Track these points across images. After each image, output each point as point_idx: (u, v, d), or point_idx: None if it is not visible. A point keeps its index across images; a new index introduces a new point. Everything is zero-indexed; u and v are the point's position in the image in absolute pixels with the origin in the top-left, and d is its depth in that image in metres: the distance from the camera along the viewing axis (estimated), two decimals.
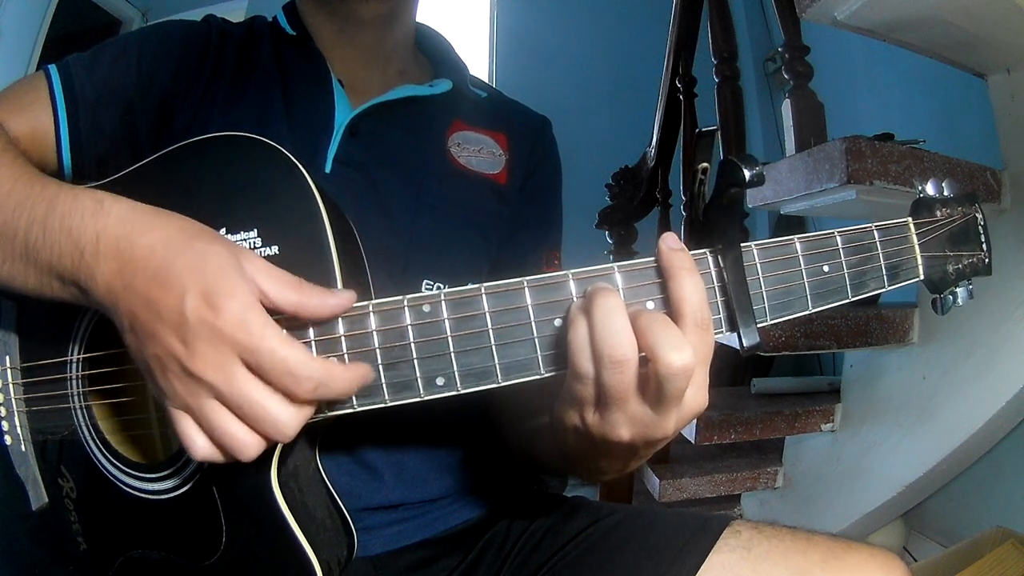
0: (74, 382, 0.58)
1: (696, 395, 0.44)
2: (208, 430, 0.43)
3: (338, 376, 0.43)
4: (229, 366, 0.41)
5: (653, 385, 0.42)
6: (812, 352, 1.51)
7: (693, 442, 1.57)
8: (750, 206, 1.53)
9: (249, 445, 0.43)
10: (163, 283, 0.42)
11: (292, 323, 0.45)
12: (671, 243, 0.45)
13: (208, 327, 0.41)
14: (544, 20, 3.45)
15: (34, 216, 0.48)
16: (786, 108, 1.48)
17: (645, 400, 0.43)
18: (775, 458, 1.78)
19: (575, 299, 0.45)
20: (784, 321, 0.48)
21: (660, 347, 0.41)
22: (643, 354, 0.42)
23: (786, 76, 1.51)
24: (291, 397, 0.42)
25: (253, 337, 0.41)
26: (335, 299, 0.45)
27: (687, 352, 0.41)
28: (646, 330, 0.42)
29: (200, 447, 0.43)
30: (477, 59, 3.56)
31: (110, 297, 0.45)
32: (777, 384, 1.84)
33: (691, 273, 0.44)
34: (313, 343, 0.46)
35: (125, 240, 0.44)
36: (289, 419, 0.43)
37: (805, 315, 0.48)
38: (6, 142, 0.57)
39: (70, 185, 0.50)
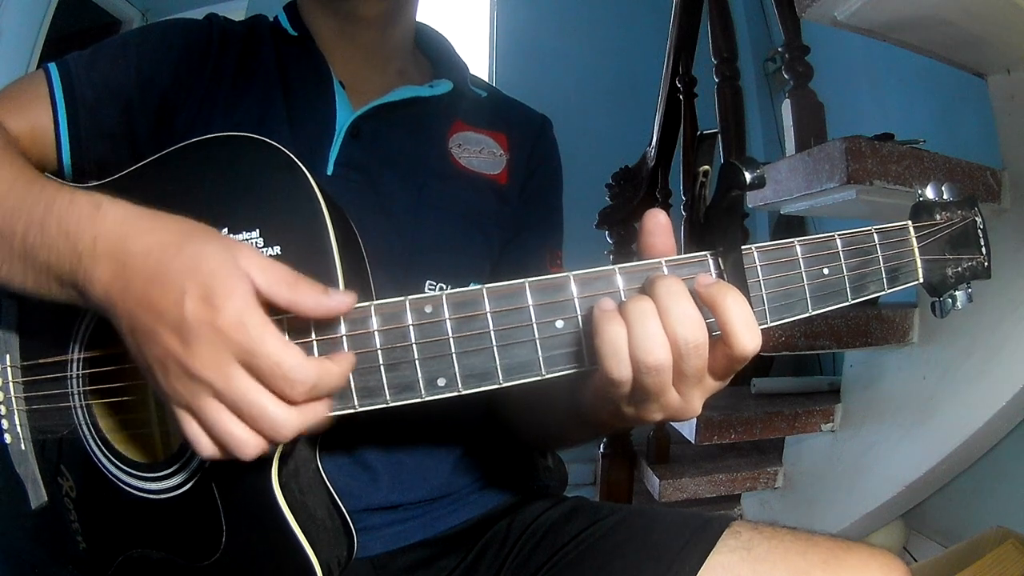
0: (74, 381, 0.58)
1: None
2: (208, 429, 0.43)
3: (333, 372, 0.44)
4: (227, 366, 0.42)
5: (722, 362, 0.45)
6: (812, 352, 1.51)
7: (693, 442, 1.58)
8: (750, 206, 1.53)
9: (248, 444, 0.43)
10: (161, 285, 0.43)
11: (295, 323, 0.46)
12: (702, 280, 0.46)
13: (207, 327, 0.41)
14: (544, 20, 3.45)
15: (32, 217, 0.48)
16: (786, 108, 1.48)
17: (713, 376, 0.46)
18: (775, 458, 1.78)
19: (576, 300, 0.45)
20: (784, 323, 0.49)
21: (737, 331, 0.43)
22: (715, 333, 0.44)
23: (786, 76, 1.51)
24: (287, 399, 0.43)
25: (251, 339, 0.41)
26: (331, 300, 0.45)
27: (759, 337, 0.44)
28: (720, 304, 0.43)
29: (204, 445, 0.44)
30: (477, 59, 3.56)
31: (108, 300, 0.45)
32: (777, 384, 1.84)
33: (737, 299, 0.45)
34: (315, 343, 0.46)
35: (122, 243, 0.44)
36: (286, 420, 0.43)
37: (805, 317, 0.49)
38: (5, 141, 0.57)
39: (69, 186, 0.50)
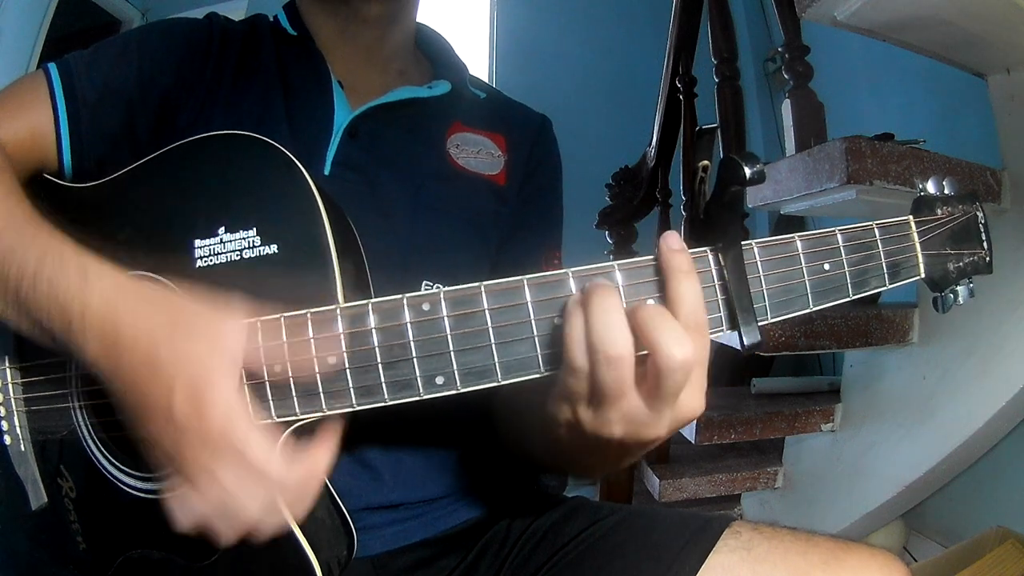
0: (74, 382, 0.58)
1: (692, 397, 0.44)
2: (187, 510, 0.45)
3: (315, 476, 0.47)
4: (215, 460, 0.43)
5: (651, 380, 0.42)
6: (812, 352, 1.51)
7: (693, 442, 1.58)
8: (750, 206, 1.53)
9: (228, 530, 0.45)
10: (150, 377, 0.44)
11: (290, 321, 0.45)
12: (671, 243, 0.45)
13: (194, 430, 0.43)
14: (544, 20, 3.45)
15: (24, 269, 0.48)
16: (786, 108, 1.48)
17: (641, 397, 0.43)
18: (775, 458, 1.78)
19: (572, 295, 0.45)
20: (784, 320, 0.48)
21: (661, 340, 0.41)
22: (641, 352, 0.42)
23: (786, 76, 1.51)
24: (271, 500, 0.45)
25: (236, 442, 0.43)
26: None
27: (688, 346, 0.41)
28: (647, 323, 0.41)
29: (181, 522, 0.45)
30: (477, 59, 3.56)
31: (102, 373, 0.46)
32: (777, 384, 1.84)
33: (688, 275, 0.44)
34: (313, 342, 0.46)
35: (109, 325, 0.45)
36: (267, 523, 0.46)
37: (806, 313, 0.48)
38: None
39: (58, 236, 0.50)
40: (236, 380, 0.44)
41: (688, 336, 0.41)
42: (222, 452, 0.43)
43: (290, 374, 0.46)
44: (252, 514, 0.44)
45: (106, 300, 0.46)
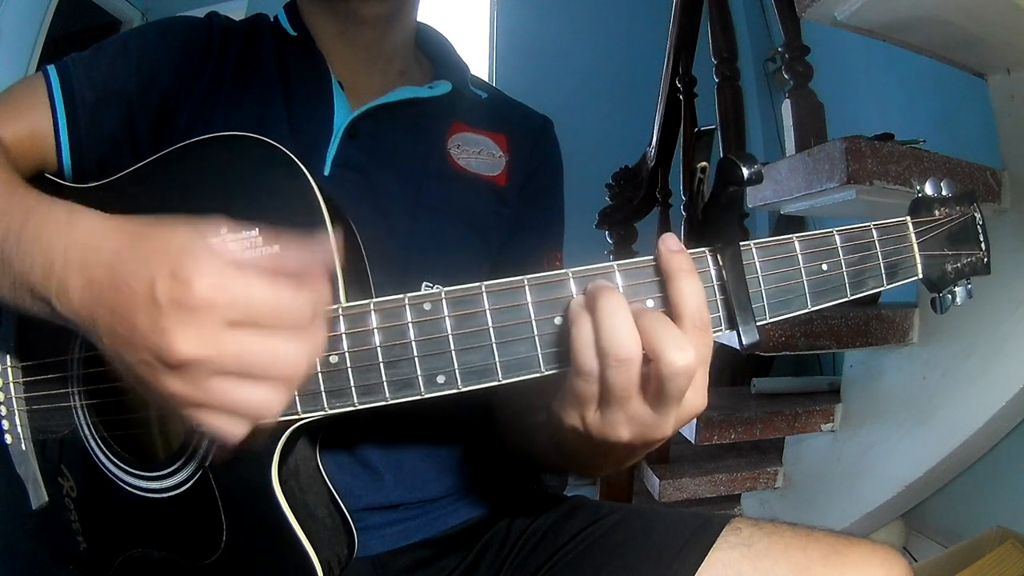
0: (74, 381, 0.58)
1: (695, 396, 0.45)
2: (224, 408, 0.40)
3: (324, 285, 0.42)
4: (217, 335, 0.38)
5: (654, 385, 0.42)
6: (812, 352, 1.51)
7: (693, 442, 1.58)
8: (750, 206, 1.53)
9: (272, 400, 0.41)
10: (130, 278, 0.40)
11: None
12: (670, 245, 0.45)
13: (184, 305, 0.38)
14: (544, 20, 3.45)
15: (11, 226, 0.47)
16: (786, 108, 1.49)
17: (646, 400, 0.44)
18: (775, 458, 1.78)
19: (575, 297, 0.45)
20: (783, 320, 0.49)
21: (663, 347, 0.41)
22: (644, 353, 0.42)
23: (786, 76, 1.51)
24: (298, 331, 0.40)
25: (237, 294, 0.39)
26: (316, 245, 0.43)
27: (689, 352, 0.41)
28: (649, 329, 0.42)
29: (229, 430, 0.41)
30: (477, 59, 3.56)
31: (84, 311, 0.42)
32: (777, 384, 1.84)
33: (690, 275, 0.44)
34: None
35: (92, 249, 0.43)
36: (299, 352, 0.41)
37: (804, 314, 0.49)
38: None
39: (48, 196, 0.49)
40: (219, 253, 0.40)
41: (689, 342, 0.42)
42: (225, 310, 0.38)
43: None
44: (284, 351, 0.40)
45: (90, 230, 0.44)
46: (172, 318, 0.38)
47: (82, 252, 0.43)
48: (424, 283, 0.68)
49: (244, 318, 0.39)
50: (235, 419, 0.41)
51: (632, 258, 0.47)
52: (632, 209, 2.17)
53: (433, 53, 0.84)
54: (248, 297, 0.39)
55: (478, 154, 0.78)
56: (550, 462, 0.64)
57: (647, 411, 0.44)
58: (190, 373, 0.39)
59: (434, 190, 0.73)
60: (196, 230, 0.41)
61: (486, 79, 0.91)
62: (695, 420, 1.53)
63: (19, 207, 0.48)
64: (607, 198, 2.22)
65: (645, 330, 0.42)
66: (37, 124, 0.65)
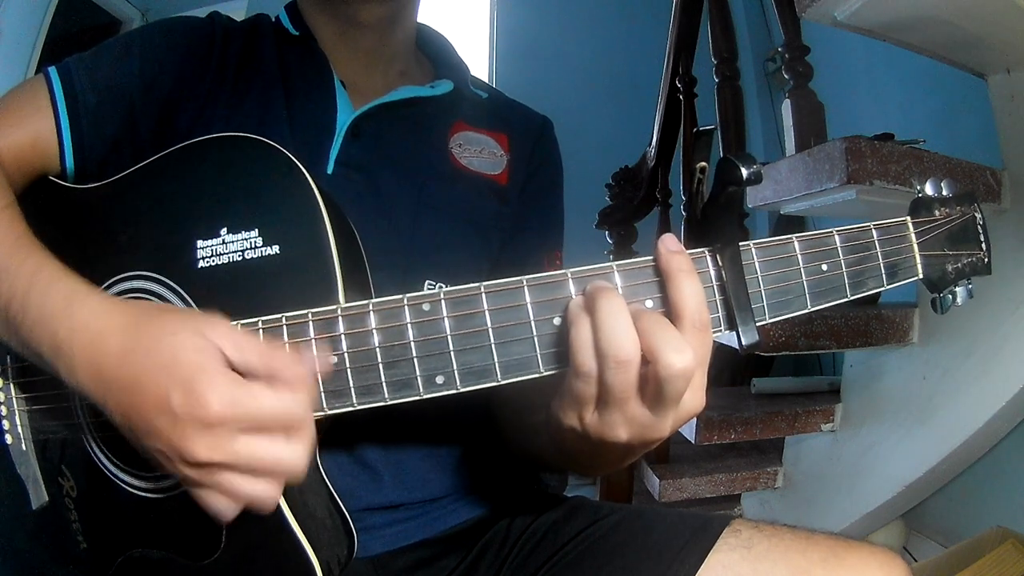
0: None
1: (694, 397, 0.45)
2: (230, 497, 0.44)
3: (309, 384, 0.45)
4: (231, 443, 0.42)
5: (653, 386, 0.43)
6: (812, 352, 1.51)
7: (693, 442, 1.57)
8: (750, 206, 1.53)
9: (272, 495, 0.44)
10: (143, 390, 0.43)
11: (290, 319, 0.46)
12: (670, 245, 0.45)
13: (200, 420, 0.42)
14: (544, 20, 3.45)
15: (15, 290, 0.49)
16: (786, 108, 1.48)
17: (644, 401, 0.44)
18: (775, 458, 1.78)
19: (574, 297, 0.45)
20: (783, 320, 0.49)
21: (661, 349, 0.41)
22: (643, 355, 0.42)
23: (786, 76, 1.51)
24: (292, 432, 0.44)
25: (248, 410, 0.42)
26: (306, 358, 0.46)
27: (688, 354, 0.41)
28: (647, 331, 0.42)
29: (229, 511, 0.45)
30: (477, 59, 3.56)
31: (96, 395, 0.45)
32: (777, 384, 1.84)
33: (690, 275, 0.44)
34: (313, 342, 0.46)
35: (97, 343, 0.45)
36: (300, 454, 0.44)
37: (804, 314, 0.48)
38: None
39: (48, 259, 0.51)
40: (225, 365, 0.43)
41: (688, 344, 0.42)
42: (238, 424, 0.42)
43: None
44: (288, 457, 0.44)
45: (92, 320, 0.46)
46: (189, 428, 0.42)
47: (87, 345, 0.45)
48: (427, 281, 0.68)
49: (254, 426, 0.43)
50: (235, 504, 0.45)
51: (632, 258, 0.47)
52: (632, 209, 2.17)
53: (434, 54, 0.84)
54: (258, 408, 0.42)
55: (480, 153, 0.78)
56: (550, 461, 0.65)
57: (645, 412, 0.44)
58: (205, 468, 0.43)
59: (436, 189, 0.73)
60: (199, 333, 0.44)
61: (486, 79, 0.92)
62: (695, 420, 1.53)
63: (20, 272, 0.50)
64: (607, 198, 2.22)
65: (644, 332, 0.42)
66: (39, 129, 0.65)
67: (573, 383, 0.45)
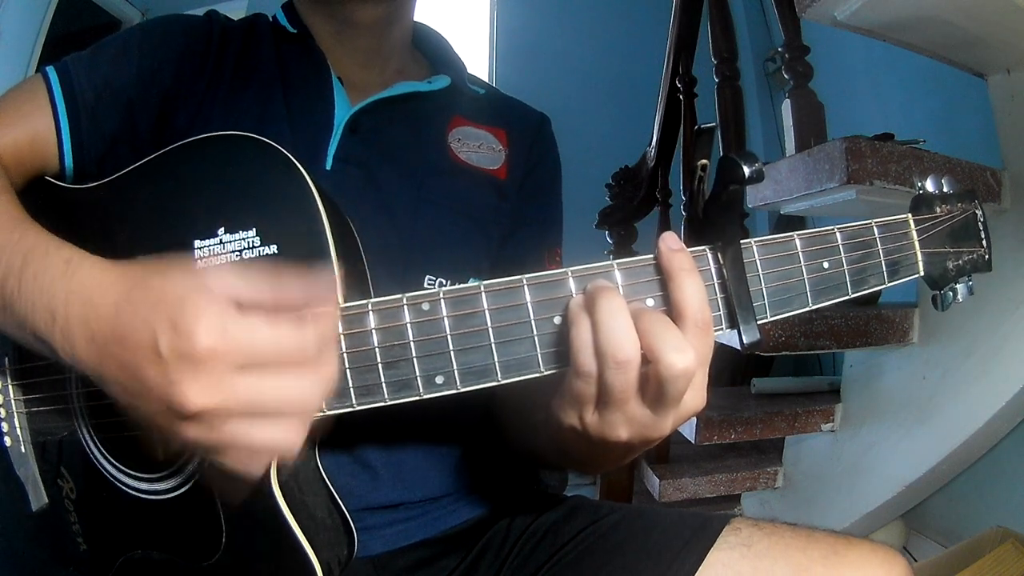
0: (73, 383, 0.58)
1: (695, 396, 0.45)
2: (245, 447, 0.41)
3: (329, 315, 0.42)
4: (227, 381, 0.39)
5: (653, 386, 0.42)
6: (812, 352, 1.51)
7: (693, 442, 1.57)
8: (750, 206, 1.53)
9: (291, 436, 0.41)
10: (132, 334, 0.40)
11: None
12: (671, 243, 0.45)
13: (189, 357, 0.38)
14: (544, 20, 3.45)
15: (11, 267, 0.47)
16: (786, 108, 1.48)
17: (644, 401, 0.44)
18: (775, 458, 1.78)
19: (574, 296, 0.45)
20: (783, 320, 0.48)
21: (662, 349, 0.41)
22: (643, 354, 0.42)
23: (786, 76, 1.51)
24: (301, 367, 0.41)
25: (240, 341, 0.39)
26: (318, 279, 0.43)
27: (689, 354, 0.41)
28: (648, 331, 0.42)
29: (254, 465, 0.42)
30: (477, 59, 3.56)
31: (91, 362, 0.43)
32: (777, 384, 1.84)
33: (691, 274, 0.44)
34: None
35: (90, 305, 0.43)
36: (312, 388, 0.41)
37: (805, 312, 0.48)
38: None
39: (46, 235, 0.49)
40: (219, 297, 0.39)
41: (689, 343, 0.42)
42: (231, 358, 0.38)
43: None
44: (297, 390, 0.40)
45: (84, 283, 0.44)
46: (179, 371, 0.38)
47: (83, 305, 0.43)
48: (427, 276, 0.68)
49: (250, 361, 0.39)
50: (255, 457, 0.41)
51: (631, 258, 0.47)
52: (632, 209, 2.17)
53: (431, 52, 0.84)
54: (251, 340, 0.39)
55: (478, 148, 0.78)
56: (549, 459, 0.64)
57: (646, 412, 0.44)
58: (205, 420, 0.39)
59: (435, 184, 0.73)
60: (193, 273, 0.41)
61: (486, 79, 0.91)
62: (695, 420, 1.53)
63: (17, 248, 0.48)
64: (607, 198, 2.22)
65: (645, 331, 0.42)
66: (38, 128, 0.65)
67: (573, 383, 0.44)
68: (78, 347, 0.43)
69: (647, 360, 0.42)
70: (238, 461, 0.41)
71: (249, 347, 0.39)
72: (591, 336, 0.43)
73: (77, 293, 0.43)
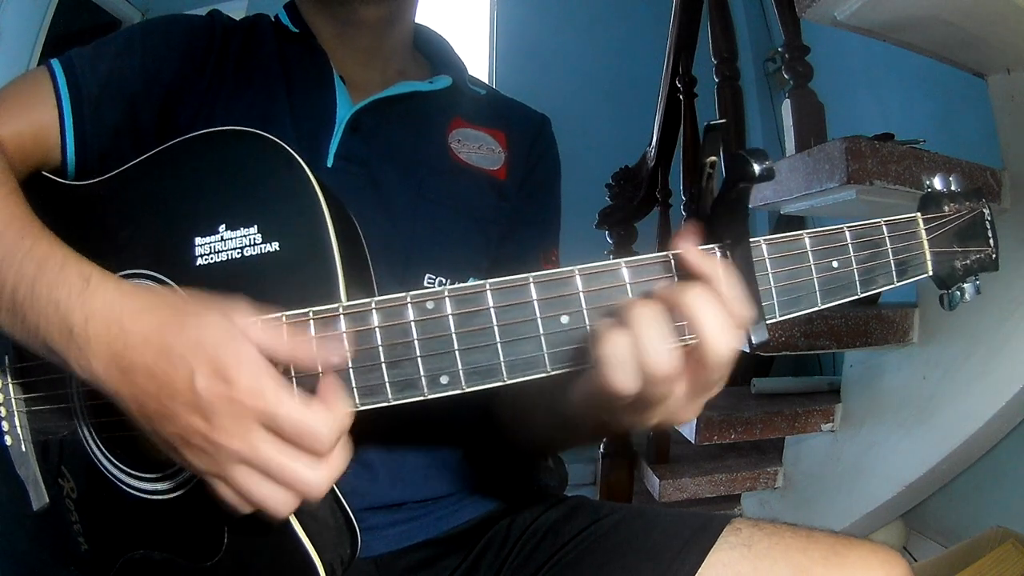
0: (74, 382, 0.58)
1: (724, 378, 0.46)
2: (241, 493, 0.44)
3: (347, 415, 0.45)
4: (251, 434, 0.42)
5: (696, 372, 0.44)
6: (812, 352, 1.51)
7: (693, 442, 1.57)
8: (750, 206, 1.53)
9: (283, 504, 0.44)
10: (167, 368, 0.43)
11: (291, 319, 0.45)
12: (695, 252, 0.45)
13: (225, 400, 0.41)
14: (544, 20, 3.45)
15: (22, 275, 0.47)
16: (786, 108, 1.48)
17: (684, 392, 0.45)
18: (775, 458, 1.78)
19: (582, 294, 0.45)
20: (788, 319, 0.48)
21: (710, 332, 0.42)
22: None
23: (786, 76, 1.51)
24: (316, 455, 0.43)
25: (269, 404, 0.42)
26: (328, 344, 0.45)
27: (735, 337, 0.43)
28: (697, 310, 0.43)
29: (240, 506, 0.44)
30: (477, 59, 3.56)
31: (110, 383, 0.45)
32: (777, 384, 1.84)
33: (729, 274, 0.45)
34: (314, 341, 0.46)
35: (116, 327, 0.44)
36: (318, 478, 0.43)
37: (814, 311, 0.48)
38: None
39: (58, 243, 0.50)
40: (253, 347, 0.43)
41: (733, 326, 0.43)
42: (258, 414, 0.42)
43: (293, 374, 0.45)
44: (303, 475, 0.43)
45: (109, 304, 0.45)
46: (214, 409, 0.42)
47: (104, 326, 0.44)
48: (426, 275, 0.68)
49: (275, 428, 0.42)
50: (245, 504, 0.44)
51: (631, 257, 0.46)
52: (632, 209, 2.16)
53: (432, 53, 0.84)
54: (280, 412, 0.42)
55: (478, 149, 0.78)
56: (548, 440, 0.66)
57: (681, 400, 0.45)
58: (222, 455, 0.43)
59: (435, 183, 0.73)
60: (227, 317, 0.44)
61: (486, 79, 0.91)
62: (695, 420, 1.53)
63: (29, 256, 0.48)
64: (607, 198, 2.22)
65: (694, 310, 0.43)
66: (41, 120, 0.64)
67: (609, 398, 0.44)
68: (96, 366, 0.45)
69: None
70: (230, 498, 0.44)
71: (275, 412, 0.42)
72: (631, 353, 0.42)
73: (100, 313, 0.45)
